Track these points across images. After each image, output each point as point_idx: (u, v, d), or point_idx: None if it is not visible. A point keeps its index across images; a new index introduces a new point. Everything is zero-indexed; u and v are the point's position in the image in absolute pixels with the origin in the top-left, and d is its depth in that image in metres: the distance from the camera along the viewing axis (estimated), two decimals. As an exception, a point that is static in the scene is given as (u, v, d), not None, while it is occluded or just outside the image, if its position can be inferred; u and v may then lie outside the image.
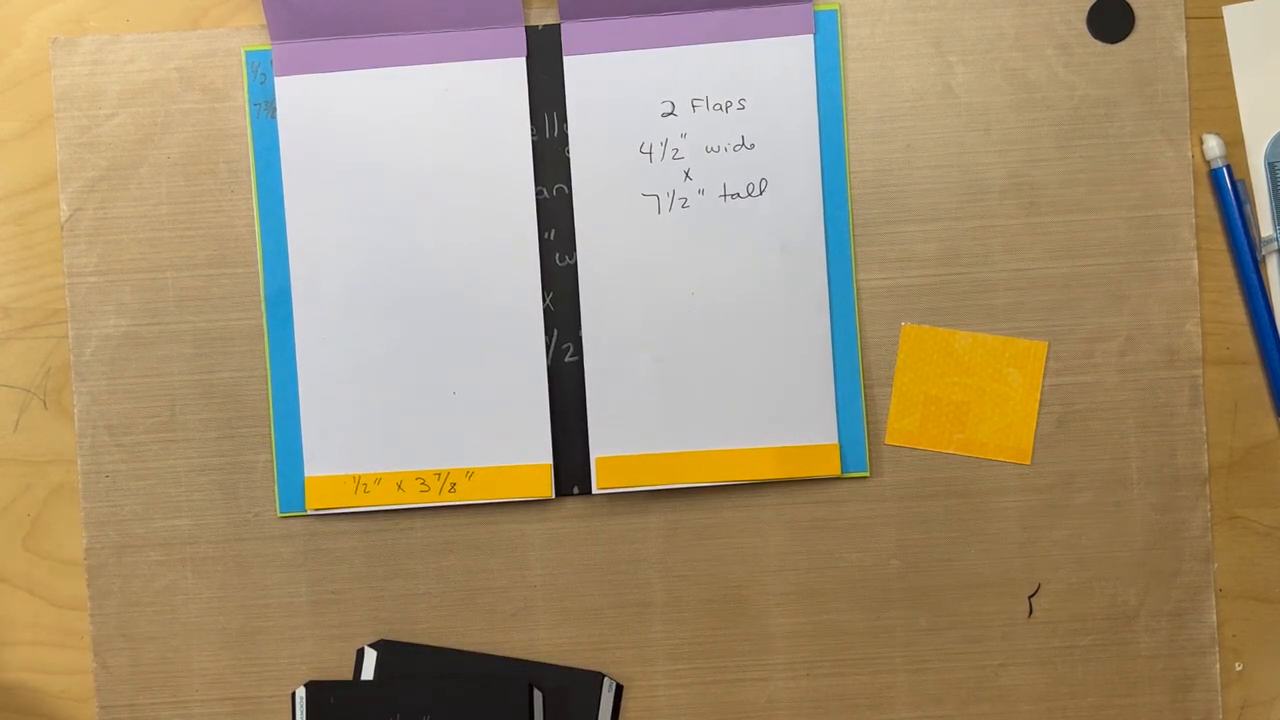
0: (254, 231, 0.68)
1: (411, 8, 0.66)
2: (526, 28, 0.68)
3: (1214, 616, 0.69)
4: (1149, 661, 0.69)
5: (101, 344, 0.69)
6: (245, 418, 0.68)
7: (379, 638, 0.68)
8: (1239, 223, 0.69)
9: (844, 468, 0.68)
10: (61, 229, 0.69)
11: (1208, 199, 0.70)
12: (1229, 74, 0.70)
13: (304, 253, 0.68)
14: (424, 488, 0.67)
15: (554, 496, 0.68)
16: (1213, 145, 0.69)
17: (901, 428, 0.69)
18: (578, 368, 0.68)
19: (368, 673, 0.67)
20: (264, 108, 0.68)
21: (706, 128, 0.68)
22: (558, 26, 0.68)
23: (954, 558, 0.69)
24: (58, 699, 0.68)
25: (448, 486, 0.67)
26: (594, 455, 0.67)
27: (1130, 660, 0.69)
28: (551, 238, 0.68)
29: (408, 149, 0.67)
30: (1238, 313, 0.70)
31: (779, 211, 0.68)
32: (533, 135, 0.68)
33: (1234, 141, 0.70)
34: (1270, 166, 0.70)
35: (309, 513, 0.68)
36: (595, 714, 0.67)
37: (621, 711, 0.69)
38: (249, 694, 0.68)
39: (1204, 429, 0.69)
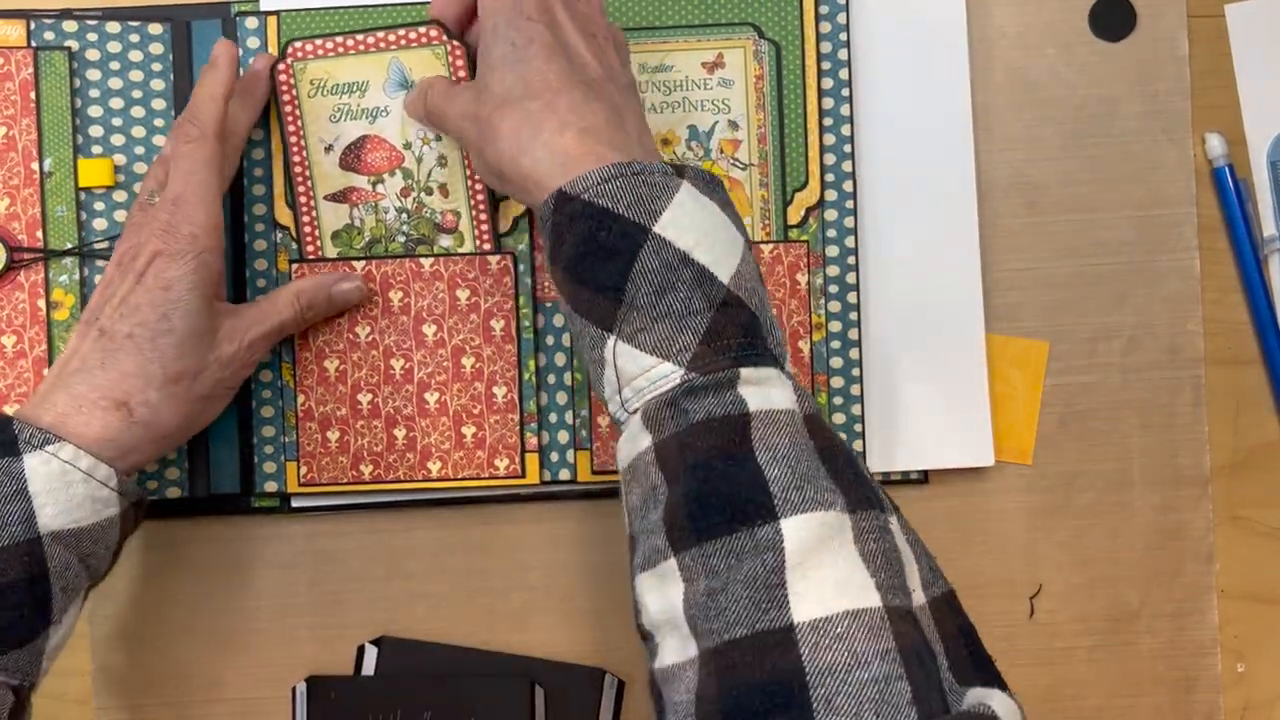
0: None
1: None
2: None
3: (1215, 617, 0.69)
4: (1150, 662, 0.69)
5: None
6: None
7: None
8: (1241, 222, 0.69)
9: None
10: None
11: (1210, 198, 0.70)
12: (1231, 73, 0.70)
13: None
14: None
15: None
16: (1215, 144, 0.69)
17: (903, 427, 0.68)
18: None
19: (368, 669, 0.67)
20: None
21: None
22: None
23: (954, 558, 0.69)
24: (57, 700, 0.68)
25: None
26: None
27: (1132, 661, 0.69)
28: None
29: None
30: (1240, 312, 0.70)
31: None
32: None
33: (1236, 140, 0.70)
34: (1273, 165, 0.70)
35: (308, 510, 0.67)
36: (597, 711, 0.67)
37: (623, 709, 0.68)
38: (248, 695, 0.68)
39: (1206, 429, 0.69)
